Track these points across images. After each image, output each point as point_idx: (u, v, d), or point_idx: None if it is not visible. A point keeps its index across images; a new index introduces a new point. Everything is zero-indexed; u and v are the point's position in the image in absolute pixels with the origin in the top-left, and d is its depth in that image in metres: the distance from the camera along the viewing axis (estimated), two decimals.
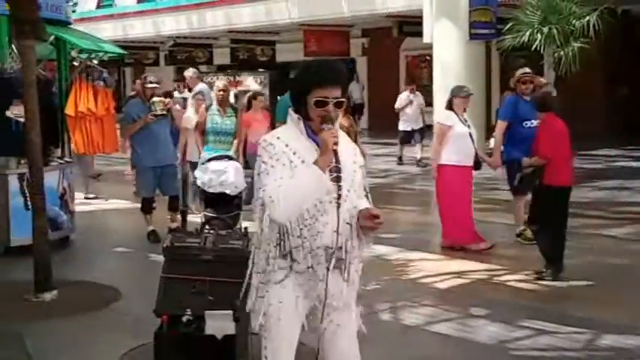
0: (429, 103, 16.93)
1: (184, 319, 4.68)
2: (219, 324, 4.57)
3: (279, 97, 11.23)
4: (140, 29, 24.86)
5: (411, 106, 16.80)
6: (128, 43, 25.71)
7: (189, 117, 10.59)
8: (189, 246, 4.87)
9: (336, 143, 3.40)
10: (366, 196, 3.70)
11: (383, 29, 22.14)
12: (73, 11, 27.02)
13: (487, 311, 7.01)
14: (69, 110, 9.39)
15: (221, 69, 24.48)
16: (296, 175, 3.36)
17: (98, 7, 27.24)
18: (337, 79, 3.51)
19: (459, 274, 8.23)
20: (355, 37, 23.96)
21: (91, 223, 10.65)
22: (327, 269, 3.44)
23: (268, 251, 3.47)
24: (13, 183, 8.70)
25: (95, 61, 10.22)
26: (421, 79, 22.27)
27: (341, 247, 3.48)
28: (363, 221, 3.53)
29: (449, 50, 16.98)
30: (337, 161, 3.47)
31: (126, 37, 25.39)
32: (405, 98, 16.95)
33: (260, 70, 18.77)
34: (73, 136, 9.48)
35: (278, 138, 3.49)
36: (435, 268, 8.48)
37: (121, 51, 10.47)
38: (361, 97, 23.47)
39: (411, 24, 20.07)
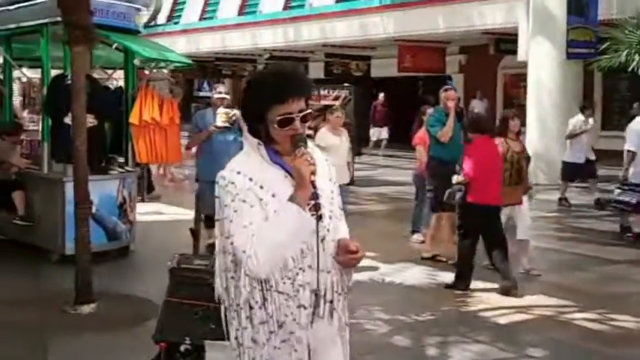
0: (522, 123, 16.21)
1: (182, 348, 4.34)
2: (219, 356, 4.21)
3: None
4: (238, 41, 24.99)
5: (588, 133, 13.67)
6: (227, 55, 25.97)
7: None
8: (197, 268, 4.52)
9: (313, 172, 2.79)
10: (343, 215, 3.14)
11: (480, 46, 21.51)
12: (176, 23, 27.64)
13: (545, 352, 6.47)
14: (133, 119, 9.29)
15: (317, 83, 24.33)
16: (271, 218, 2.77)
17: (201, 19, 27.53)
18: (301, 89, 2.89)
19: (524, 308, 7.66)
20: (452, 54, 23.36)
21: (153, 234, 10.50)
22: (314, 315, 2.88)
23: (250, 314, 2.88)
24: (70, 190, 8.60)
25: (165, 71, 10.10)
26: (518, 98, 21.50)
27: (326, 289, 2.93)
28: (340, 255, 2.95)
29: (544, 69, 16.37)
30: (312, 184, 2.86)
31: (225, 48, 25.62)
32: (581, 123, 13.51)
33: (345, 84, 18.47)
34: (137, 145, 9.36)
35: (238, 173, 2.84)
36: (498, 300, 7.91)
37: (187, 61, 10.31)
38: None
39: (508, 41, 19.45)
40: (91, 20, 7.07)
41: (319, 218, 2.86)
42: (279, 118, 2.82)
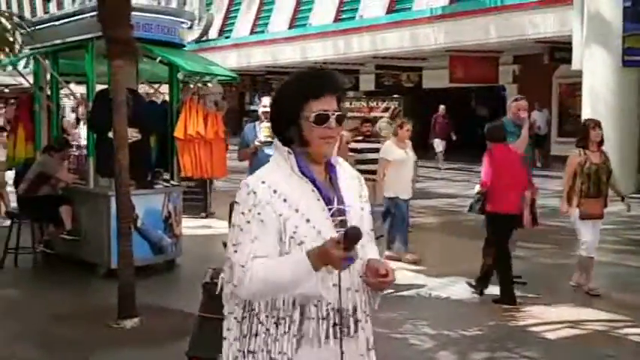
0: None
1: None
2: None
3: None
4: (289, 54, 25.02)
5: None
6: (277, 68, 26.03)
7: None
8: None
9: (346, 249, 2.54)
10: (374, 239, 3.00)
11: (534, 56, 21.16)
12: (227, 37, 27.83)
13: None
14: (178, 133, 9.28)
15: (367, 95, 24.21)
16: (287, 257, 2.66)
17: (252, 33, 27.67)
18: (336, 86, 2.77)
19: (575, 323, 7.43)
20: (506, 64, 23.02)
21: (200, 248, 10.46)
22: (341, 337, 2.75)
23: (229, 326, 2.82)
24: (114, 205, 8.63)
25: (210, 84, 10.09)
26: (573, 108, 21.07)
27: (357, 307, 2.81)
28: (369, 277, 2.78)
29: (599, 77, 16.02)
30: (340, 200, 2.79)
31: (275, 62, 25.67)
32: None
33: (394, 96, 18.29)
34: (181, 159, 9.35)
35: (263, 182, 2.72)
36: (548, 314, 7.70)
37: (231, 74, 10.27)
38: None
39: (562, 50, 19.08)
40: (132, 34, 7.09)
41: (342, 226, 2.74)
42: (315, 114, 2.71)
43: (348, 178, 2.92)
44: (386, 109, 16.41)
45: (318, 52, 24.09)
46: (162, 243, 9.14)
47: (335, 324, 2.75)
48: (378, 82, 24.05)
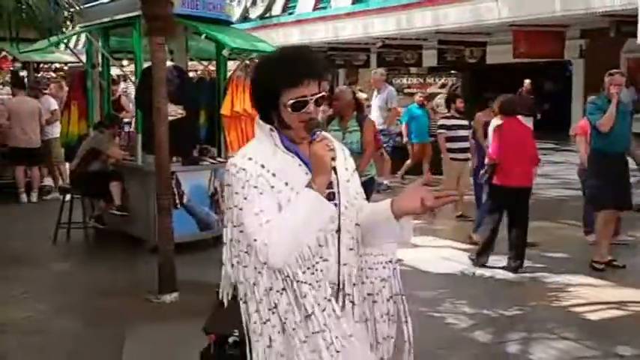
0: None
1: (231, 340, 4.26)
2: None
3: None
4: (351, 31, 24.80)
5: None
6: (340, 45, 25.87)
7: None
8: None
9: (334, 158, 2.67)
10: (365, 197, 2.99)
11: (602, 30, 20.52)
12: (290, 13, 27.77)
13: (636, 352, 6.04)
14: (224, 110, 9.32)
15: (431, 71, 23.91)
16: (289, 205, 2.65)
17: (314, 9, 27.55)
18: (314, 71, 2.71)
19: (619, 304, 7.27)
20: (572, 39, 22.41)
21: None
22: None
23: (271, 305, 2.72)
24: None
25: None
26: None
27: (345, 282, 2.79)
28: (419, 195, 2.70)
29: None
30: (335, 172, 2.76)
31: (337, 38, 25.49)
32: None
33: (452, 72, 18.02)
34: (228, 136, 9.40)
35: (250, 159, 2.70)
36: (593, 294, 7.53)
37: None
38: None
39: (630, 24, 18.44)
40: (170, 11, 7.11)
41: (332, 198, 2.74)
42: (292, 101, 2.68)
43: (338, 152, 2.87)
44: (443, 86, 16.20)
45: (379, 27, 23.81)
46: (208, 219, 9.21)
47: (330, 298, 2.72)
48: (441, 58, 23.69)
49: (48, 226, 9.69)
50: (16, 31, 8.24)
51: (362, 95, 14.84)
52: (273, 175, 2.68)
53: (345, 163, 2.92)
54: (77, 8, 9.74)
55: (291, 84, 2.68)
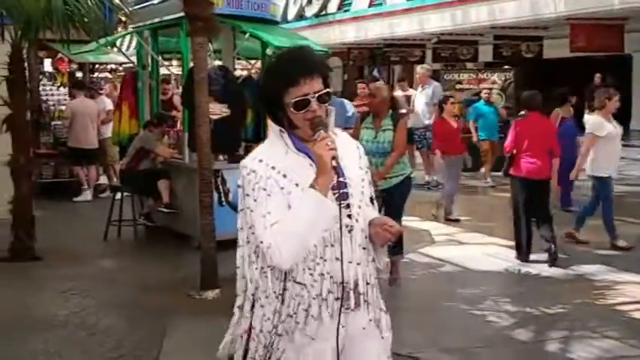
0: None
1: None
2: None
3: None
4: (406, 27, 24.66)
5: None
6: (395, 41, 25.77)
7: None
8: None
9: (334, 157, 2.66)
10: (372, 203, 3.01)
11: None
12: (346, 10, 27.78)
13: None
14: None
15: (487, 66, 23.65)
16: (292, 206, 2.68)
17: (370, 5, 27.49)
18: (312, 68, 2.75)
19: None
20: (633, 32, 21.91)
21: None
22: (340, 311, 2.76)
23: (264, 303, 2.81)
24: None
25: None
26: None
27: (359, 280, 2.83)
28: (375, 230, 2.84)
29: None
30: (340, 173, 2.77)
31: (392, 34, 25.37)
32: None
33: (506, 67, 17.78)
34: None
35: (260, 161, 2.75)
36: None
37: (324, 49, 10.26)
38: None
39: None
40: (212, 11, 7.19)
41: (347, 207, 2.78)
42: (294, 100, 2.72)
43: (348, 149, 2.92)
44: (495, 81, 16.03)
45: (435, 23, 23.63)
46: None
47: (337, 298, 2.77)
48: (497, 53, 23.37)
49: (101, 223, 9.88)
50: (67, 32, 8.37)
51: (409, 92, 14.81)
52: (284, 176, 2.72)
53: (359, 162, 2.96)
54: (127, 10, 9.86)
55: (289, 84, 2.73)
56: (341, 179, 2.80)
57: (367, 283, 2.88)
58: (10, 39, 8.42)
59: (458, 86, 16.33)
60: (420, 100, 14.11)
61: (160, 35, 10.42)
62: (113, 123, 11.30)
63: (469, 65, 23.57)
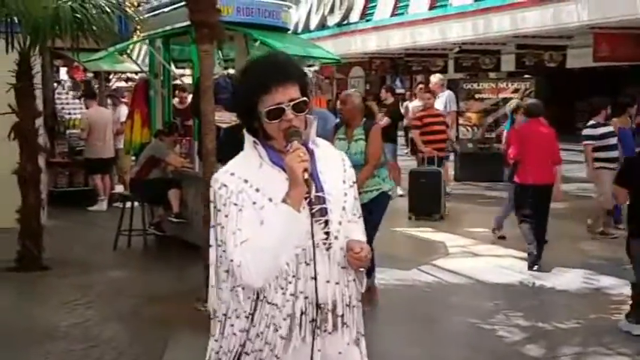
0: None
1: None
2: None
3: None
4: (428, 36, 24.53)
5: None
6: (417, 51, 25.65)
7: None
8: None
9: (306, 169, 2.49)
10: (359, 219, 2.84)
11: None
12: (368, 20, 27.70)
13: None
14: None
15: (511, 76, 23.42)
16: (264, 222, 2.52)
17: (392, 15, 27.40)
18: (286, 75, 2.60)
19: None
20: None
21: None
22: (314, 333, 2.60)
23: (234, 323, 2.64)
24: None
25: (316, 67, 9.99)
26: None
27: (341, 301, 2.67)
28: (347, 254, 2.67)
29: None
30: (318, 187, 2.63)
31: (414, 44, 25.26)
32: None
33: (526, 76, 17.53)
34: None
35: (232, 174, 2.59)
36: None
37: (335, 57, 10.14)
38: None
39: None
40: (218, 18, 7.08)
41: (325, 224, 2.62)
42: (267, 109, 2.57)
43: (330, 161, 2.76)
44: (516, 91, 15.81)
45: (457, 32, 23.48)
46: None
47: (312, 319, 2.61)
48: (519, 62, 23.15)
49: (113, 233, 9.80)
50: (76, 40, 8.32)
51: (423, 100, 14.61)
52: (257, 190, 2.57)
53: (343, 176, 2.79)
54: (139, 18, 9.81)
55: (263, 91, 2.58)
56: (319, 194, 2.63)
57: (347, 305, 2.70)
58: (18, 47, 8.34)
59: (477, 96, 16.10)
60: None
61: (173, 43, 10.34)
62: (125, 132, 11.23)
63: (491, 75, 23.34)
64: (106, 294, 7.81)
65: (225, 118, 8.46)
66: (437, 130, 12.34)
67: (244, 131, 2.70)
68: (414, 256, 9.51)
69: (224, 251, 2.57)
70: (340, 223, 2.67)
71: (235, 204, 2.54)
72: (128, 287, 8.09)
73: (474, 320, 6.91)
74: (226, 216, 2.55)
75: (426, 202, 11.67)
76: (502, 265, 8.88)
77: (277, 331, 2.59)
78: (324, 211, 2.62)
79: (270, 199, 2.55)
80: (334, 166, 2.77)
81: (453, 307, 7.47)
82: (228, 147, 7.64)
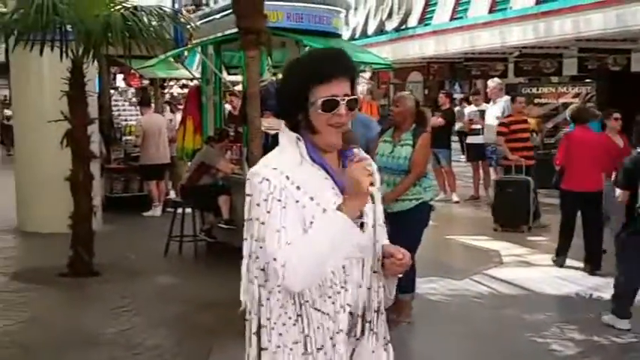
0: None
1: None
2: None
3: None
4: (487, 40, 24.18)
5: None
6: (476, 55, 25.31)
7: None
8: None
9: (372, 183, 2.43)
10: (384, 224, 2.76)
11: None
12: (426, 24, 27.49)
13: None
14: None
15: (573, 80, 22.95)
16: (314, 226, 2.43)
17: (451, 19, 27.14)
18: (345, 68, 2.53)
19: None
20: None
21: None
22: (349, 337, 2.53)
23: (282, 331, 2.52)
24: None
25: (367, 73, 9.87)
26: None
27: (370, 307, 2.57)
28: (385, 260, 2.59)
29: None
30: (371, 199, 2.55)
31: (473, 48, 24.93)
32: None
33: (587, 80, 17.11)
34: None
35: (274, 169, 2.48)
36: None
37: (386, 62, 10.00)
38: None
39: None
40: (264, 24, 7.03)
41: (361, 227, 2.52)
42: (323, 99, 2.47)
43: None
44: (576, 95, 15.45)
45: (517, 36, 23.05)
46: None
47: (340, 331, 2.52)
48: (582, 66, 22.63)
49: (165, 239, 9.82)
50: (127, 48, 8.36)
51: (482, 107, 14.39)
52: (298, 188, 2.47)
53: (371, 178, 2.64)
54: (193, 26, 9.83)
55: (320, 80, 2.49)
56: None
57: (375, 311, 2.61)
58: (71, 55, 8.42)
59: (536, 100, 15.78)
60: (491, 114, 13.69)
61: (226, 50, 10.35)
62: (177, 138, 11.26)
63: (553, 79, 22.90)
64: (152, 300, 7.81)
65: (274, 125, 8.39)
66: (524, 138, 11.87)
67: (283, 127, 2.60)
68: (467, 265, 9.32)
69: (260, 247, 2.46)
70: (374, 227, 2.56)
71: (279, 200, 2.44)
72: (175, 294, 8.08)
73: (526, 333, 6.70)
74: (268, 212, 2.43)
75: (513, 213, 11.13)
76: (558, 275, 8.63)
77: (335, 345, 2.51)
78: (360, 215, 2.53)
79: (312, 198, 2.47)
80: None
81: (504, 318, 7.27)
82: None
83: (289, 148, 2.54)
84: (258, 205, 2.47)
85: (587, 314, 7.26)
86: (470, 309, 7.54)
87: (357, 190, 2.42)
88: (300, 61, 2.65)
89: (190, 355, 6.22)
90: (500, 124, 11.91)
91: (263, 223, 2.44)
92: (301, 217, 2.45)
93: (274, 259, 2.40)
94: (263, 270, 2.50)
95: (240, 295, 2.69)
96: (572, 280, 8.37)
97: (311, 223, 2.45)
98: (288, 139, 2.56)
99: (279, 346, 2.53)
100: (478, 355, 6.31)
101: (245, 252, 2.59)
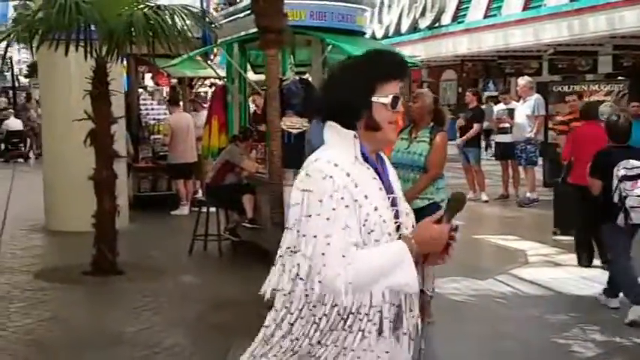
0: None
1: None
2: None
3: None
4: (520, 38, 23.94)
5: None
6: (509, 53, 25.10)
7: None
8: None
9: (450, 244, 2.59)
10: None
11: None
12: (460, 22, 27.29)
13: None
14: None
15: (608, 77, 22.64)
16: (376, 251, 2.47)
17: (485, 16, 26.92)
18: (405, 71, 2.65)
19: None
20: None
21: None
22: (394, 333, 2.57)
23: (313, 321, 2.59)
24: (289, 194, 8.64)
25: None
26: None
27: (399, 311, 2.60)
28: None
29: None
30: (389, 190, 2.62)
31: (507, 46, 24.71)
32: None
33: (619, 78, 16.81)
34: None
35: (336, 165, 2.48)
36: None
37: (412, 60, 9.93)
38: None
39: None
40: (285, 23, 7.02)
41: (395, 216, 2.61)
42: (392, 95, 2.55)
43: (392, 168, 2.79)
44: (608, 93, 15.21)
45: (551, 33, 22.80)
46: None
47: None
48: (617, 64, 22.33)
49: (191, 237, 9.84)
50: (151, 47, 8.40)
51: (512, 105, 14.25)
52: (356, 185, 2.49)
53: (394, 172, 2.82)
54: (218, 25, 9.86)
55: (385, 79, 2.57)
56: (393, 195, 2.63)
57: (410, 310, 2.62)
58: (95, 54, 8.47)
59: (567, 98, 15.53)
60: (521, 112, 13.56)
61: (252, 49, 10.35)
62: (203, 137, 11.29)
63: (588, 77, 22.63)
64: (174, 299, 7.82)
65: (296, 124, 8.39)
66: None
67: (333, 124, 2.59)
68: (492, 264, 9.24)
69: (328, 244, 2.42)
70: (406, 228, 2.64)
71: (342, 198, 2.45)
72: (198, 293, 8.09)
73: (548, 334, 6.61)
74: (334, 209, 2.43)
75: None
76: (583, 275, 8.51)
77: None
78: (397, 213, 2.61)
79: (366, 197, 2.50)
80: (393, 173, 2.78)
81: (526, 318, 7.19)
82: (298, 153, 7.61)
83: (342, 146, 2.55)
84: (320, 201, 2.44)
85: (610, 315, 7.14)
86: (492, 309, 7.46)
87: (435, 245, 2.56)
88: (365, 58, 2.66)
89: (208, 354, 6.21)
90: (561, 123, 11.86)
91: (328, 219, 2.43)
92: (358, 216, 2.48)
93: (343, 256, 2.41)
94: (310, 267, 2.49)
95: (262, 288, 2.93)
96: (597, 280, 8.22)
97: (365, 220, 2.49)
98: (343, 137, 2.56)
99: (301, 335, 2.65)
100: (498, 356, 6.24)
101: (286, 241, 2.66)
